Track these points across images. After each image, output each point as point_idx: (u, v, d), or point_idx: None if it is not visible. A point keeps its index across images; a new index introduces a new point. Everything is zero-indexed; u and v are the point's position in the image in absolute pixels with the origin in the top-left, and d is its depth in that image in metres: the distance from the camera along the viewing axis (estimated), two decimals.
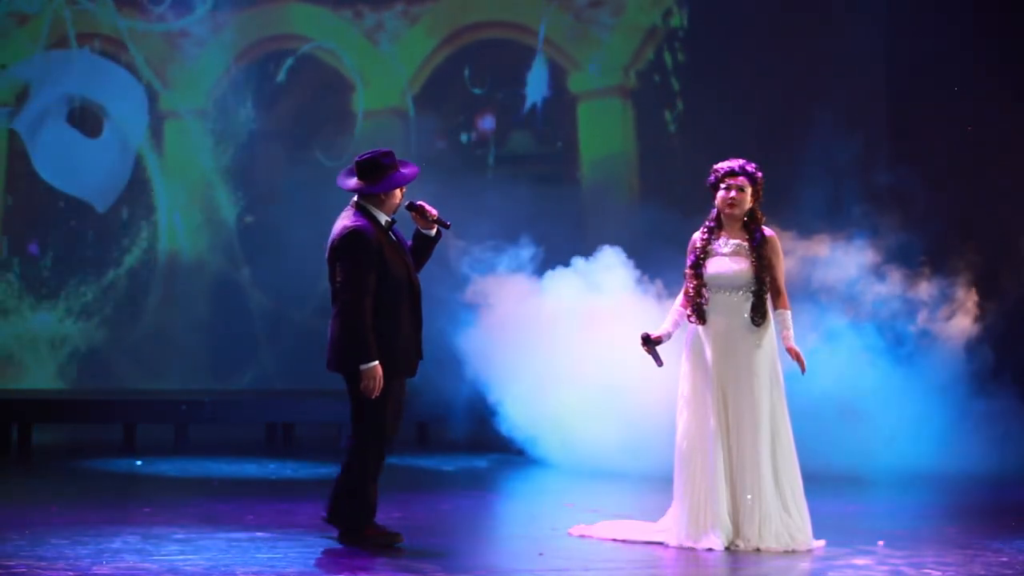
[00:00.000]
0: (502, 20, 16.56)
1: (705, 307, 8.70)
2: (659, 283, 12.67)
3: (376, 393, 8.28)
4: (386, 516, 9.85)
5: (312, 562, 8.07)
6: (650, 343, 8.76)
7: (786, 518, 8.60)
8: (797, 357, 8.64)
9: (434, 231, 8.64)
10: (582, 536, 9.04)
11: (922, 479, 12.18)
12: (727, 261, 8.72)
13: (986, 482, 12.22)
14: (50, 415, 14.37)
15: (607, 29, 16.48)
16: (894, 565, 8.12)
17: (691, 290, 8.74)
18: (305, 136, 16.09)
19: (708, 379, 8.65)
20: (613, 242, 13.14)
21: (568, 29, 16.47)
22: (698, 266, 8.73)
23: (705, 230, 8.82)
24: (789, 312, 8.74)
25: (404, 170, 8.54)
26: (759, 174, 8.80)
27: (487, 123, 16.49)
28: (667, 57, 16.37)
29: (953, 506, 10.80)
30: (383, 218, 8.50)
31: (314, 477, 12.14)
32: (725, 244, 8.75)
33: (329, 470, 12.10)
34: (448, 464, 13.34)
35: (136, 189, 15.81)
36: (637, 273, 12.84)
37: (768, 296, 8.71)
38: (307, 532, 8.88)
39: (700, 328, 8.72)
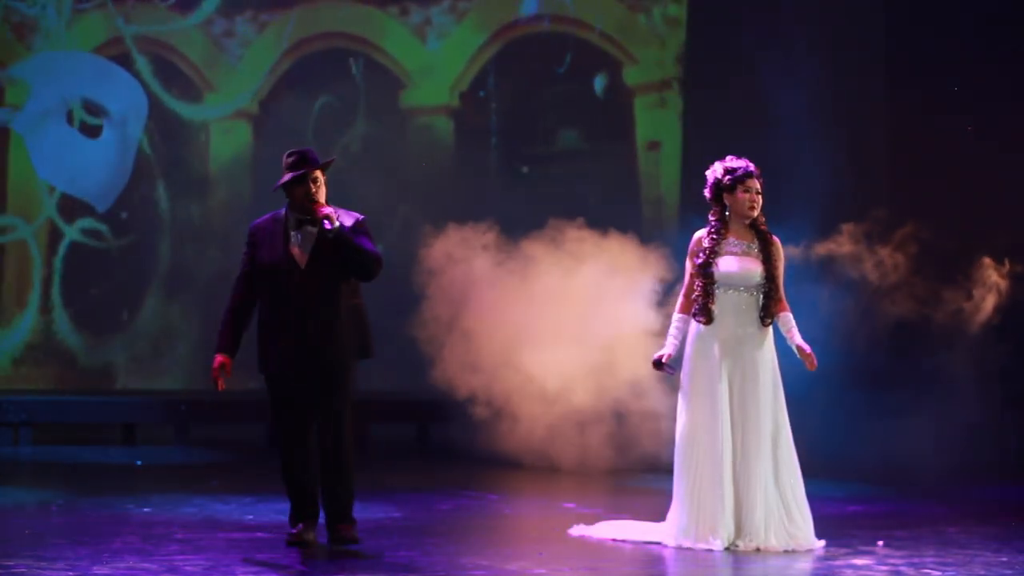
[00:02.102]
0: (552, 13, 16.36)
1: (712, 306, 8.68)
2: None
3: (219, 387, 8.45)
4: (387, 516, 9.90)
5: (311, 562, 8.06)
6: (662, 365, 8.74)
7: (784, 517, 8.59)
8: (809, 355, 8.66)
9: (329, 232, 8.27)
10: (582, 536, 9.03)
11: (920, 479, 12.16)
12: (740, 261, 8.70)
13: (985, 482, 12.21)
14: (50, 415, 14.36)
15: (663, 21, 16.28)
16: (894, 565, 8.10)
17: (699, 289, 8.70)
18: (350, 136, 15.88)
19: (717, 378, 8.61)
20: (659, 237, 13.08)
21: (622, 22, 16.28)
22: (708, 265, 8.70)
23: (713, 230, 8.78)
24: (790, 314, 8.76)
25: (290, 172, 8.36)
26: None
27: (539, 119, 16.29)
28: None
29: (953, 506, 10.75)
30: (293, 216, 8.42)
31: None
32: (735, 244, 8.74)
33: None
34: (447, 465, 13.33)
35: (137, 189, 15.75)
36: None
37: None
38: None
39: (705, 327, 8.70)
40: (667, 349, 8.75)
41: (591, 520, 9.32)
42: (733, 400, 8.61)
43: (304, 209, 8.34)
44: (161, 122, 15.81)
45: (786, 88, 15.13)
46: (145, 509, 10.00)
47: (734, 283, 8.68)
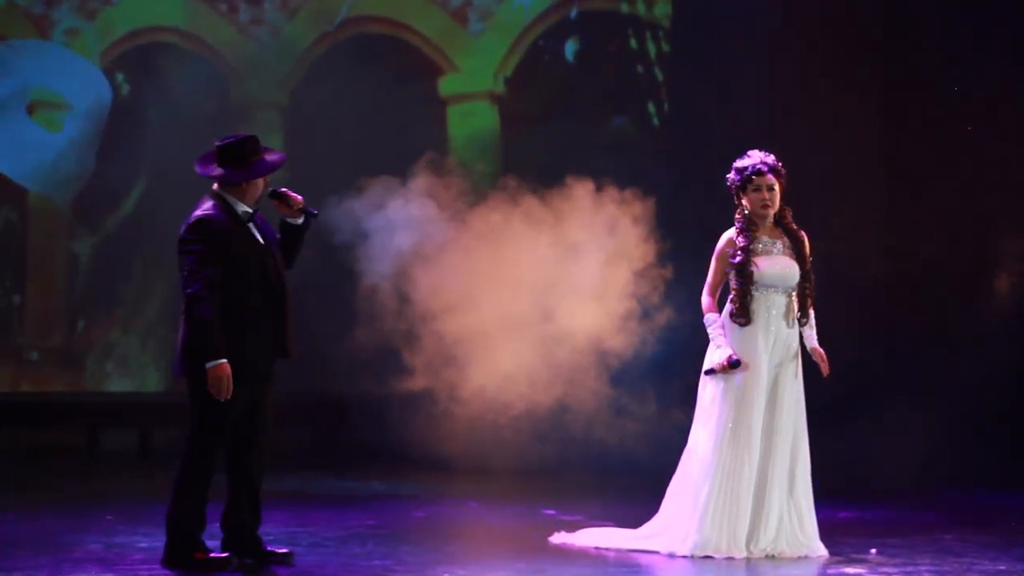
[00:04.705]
0: None
1: (751, 307, 8.44)
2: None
3: (226, 395, 7.75)
4: (360, 524, 9.85)
5: (282, 571, 7.95)
6: (738, 363, 8.42)
7: (797, 525, 8.48)
8: (822, 359, 8.52)
9: (300, 219, 8.14)
10: (563, 544, 8.92)
11: (918, 485, 12.09)
12: (777, 261, 8.50)
13: (982, 488, 12.14)
14: (10, 418, 14.20)
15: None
16: (887, 574, 8.02)
17: (737, 289, 8.47)
18: (387, 126, 15.43)
19: (758, 381, 8.40)
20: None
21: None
22: (747, 265, 8.44)
23: (744, 228, 8.51)
24: (813, 312, 8.61)
25: (269, 157, 8.09)
26: (780, 165, 8.55)
27: (588, 106, 15.87)
28: (651, 47, 15.93)
29: (949, 513, 10.68)
30: (241, 208, 8.01)
31: (280, 486, 11.90)
32: (770, 243, 8.52)
33: (296, 481, 11.92)
34: (423, 472, 13.15)
35: (108, 183, 15.49)
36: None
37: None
38: (274, 541, 8.57)
39: (742, 328, 8.44)
40: (729, 350, 8.43)
41: (572, 527, 9.24)
42: (770, 403, 8.44)
43: (256, 200, 8.05)
44: (131, 115, 15.48)
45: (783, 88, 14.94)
46: (107, 517, 9.89)
47: (773, 284, 8.48)
